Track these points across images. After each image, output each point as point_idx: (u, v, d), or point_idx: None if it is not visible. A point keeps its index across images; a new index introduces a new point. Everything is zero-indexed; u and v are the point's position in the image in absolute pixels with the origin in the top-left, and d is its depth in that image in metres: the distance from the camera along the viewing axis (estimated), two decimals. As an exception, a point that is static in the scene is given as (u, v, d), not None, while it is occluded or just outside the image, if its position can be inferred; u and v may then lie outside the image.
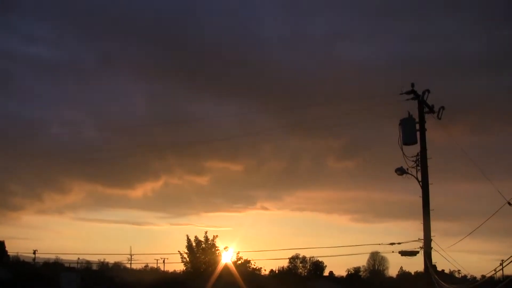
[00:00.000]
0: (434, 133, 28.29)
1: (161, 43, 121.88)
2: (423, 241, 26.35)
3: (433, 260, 26.29)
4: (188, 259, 51.82)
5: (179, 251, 51.95)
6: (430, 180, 26.74)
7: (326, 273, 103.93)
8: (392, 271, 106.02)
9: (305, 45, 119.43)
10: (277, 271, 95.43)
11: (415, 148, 27.20)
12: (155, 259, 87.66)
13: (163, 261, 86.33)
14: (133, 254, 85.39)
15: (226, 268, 48.84)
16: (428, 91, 27.12)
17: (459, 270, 78.21)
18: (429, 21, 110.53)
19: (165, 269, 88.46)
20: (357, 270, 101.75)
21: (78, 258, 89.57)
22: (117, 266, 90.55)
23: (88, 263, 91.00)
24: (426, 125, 27.25)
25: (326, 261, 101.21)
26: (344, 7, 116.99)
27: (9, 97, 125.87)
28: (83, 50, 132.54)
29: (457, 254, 29.16)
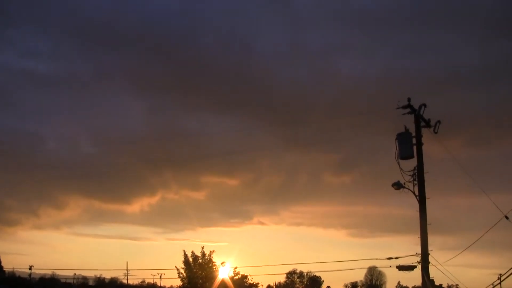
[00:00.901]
0: (431, 147, 28.32)
1: (159, 58, 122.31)
2: (420, 255, 26.26)
3: (431, 275, 26.21)
4: (185, 274, 51.54)
5: (176, 267, 51.72)
6: (427, 194, 26.71)
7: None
8: (390, 286, 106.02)
9: (304, 60, 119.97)
10: (274, 286, 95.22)
11: (412, 162, 27.18)
12: (151, 275, 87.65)
13: (160, 276, 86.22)
14: (130, 270, 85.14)
15: (223, 283, 48.59)
16: (425, 105, 27.16)
17: (457, 285, 77.99)
18: (426, 35, 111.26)
19: (161, 285, 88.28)
20: (354, 285, 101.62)
21: (75, 274, 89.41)
22: (114, 281, 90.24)
23: (85, 278, 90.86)
24: (423, 139, 27.25)
25: (323, 276, 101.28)
26: (342, 22, 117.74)
27: (6, 111, 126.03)
28: (81, 64, 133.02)
29: (455, 268, 29.10)
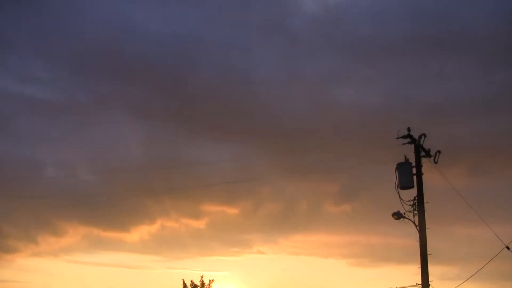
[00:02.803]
0: (431, 176, 28.18)
1: (158, 86, 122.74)
2: (421, 286, 26.07)
3: (432, 306, 25.99)
4: (183, 304, 51.09)
5: (174, 296, 51.27)
6: (427, 224, 26.55)
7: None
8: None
9: (303, 89, 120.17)
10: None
11: (412, 192, 27.08)
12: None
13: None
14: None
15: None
16: (425, 135, 27.12)
17: (458, 316, 77.22)
18: (428, 64, 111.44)
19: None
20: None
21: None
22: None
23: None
24: (423, 169, 27.17)
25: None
26: (342, 50, 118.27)
27: (3, 138, 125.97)
28: (80, 91, 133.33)
29: (455, 299, 28.79)
